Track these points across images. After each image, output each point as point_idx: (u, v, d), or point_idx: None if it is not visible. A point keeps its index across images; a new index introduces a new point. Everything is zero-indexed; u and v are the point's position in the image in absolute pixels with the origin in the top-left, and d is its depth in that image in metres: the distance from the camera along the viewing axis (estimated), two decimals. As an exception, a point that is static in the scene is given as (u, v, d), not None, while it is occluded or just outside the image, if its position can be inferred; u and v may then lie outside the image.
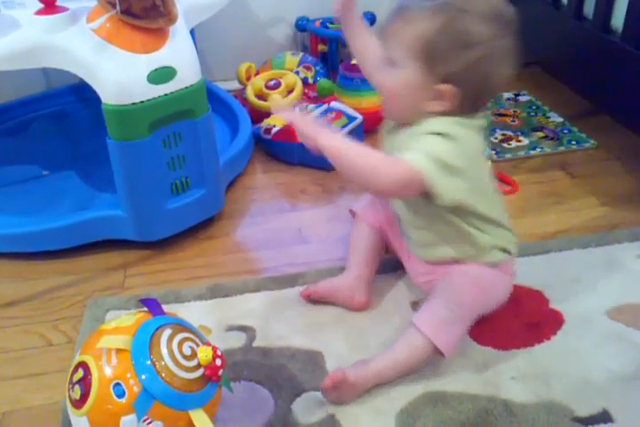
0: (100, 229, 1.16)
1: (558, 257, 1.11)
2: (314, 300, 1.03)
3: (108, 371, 0.71)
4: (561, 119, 1.57)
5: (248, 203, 1.33)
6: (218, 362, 0.75)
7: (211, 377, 0.74)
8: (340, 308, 1.02)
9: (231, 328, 0.99)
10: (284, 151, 1.44)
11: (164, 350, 0.73)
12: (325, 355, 0.94)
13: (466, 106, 0.84)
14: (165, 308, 0.80)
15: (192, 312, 1.01)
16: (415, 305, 1.02)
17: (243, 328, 0.99)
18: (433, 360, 0.89)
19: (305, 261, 1.14)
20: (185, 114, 1.11)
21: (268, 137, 1.44)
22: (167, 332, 0.74)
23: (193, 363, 0.74)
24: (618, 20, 1.40)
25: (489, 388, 0.87)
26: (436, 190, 0.81)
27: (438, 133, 0.82)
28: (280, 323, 1.00)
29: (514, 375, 0.89)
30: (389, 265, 1.08)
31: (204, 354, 0.74)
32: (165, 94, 1.07)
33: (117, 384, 0.70)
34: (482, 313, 0.92)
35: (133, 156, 1.08)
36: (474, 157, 0.86)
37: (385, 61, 0.86)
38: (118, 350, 0.72)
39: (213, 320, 1.00)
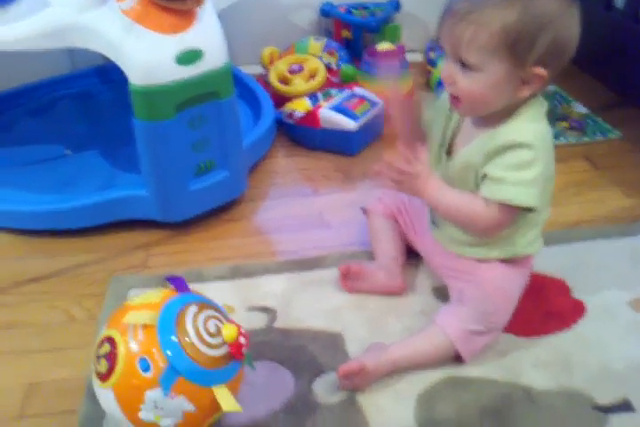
0: (123, 208, 1.17)
1: (581, 247, 1.10)
2: (351, 276, 1.01)
3: (134, 346, 0.72)
4: (585, 110, 1.55)
5: (270, 186, 1.34)
6: (242, 340, 0.75)
7: (235, 355, 0.75)
8: (360, 293, 1.02)
9: (253, 309, 1.00)
10: (307, 136, 1.44)
11: (190, 327, 0.73)
12: (345, 337, 0.94)
13: (548, 83, 0.83)
14: (188, 286, 0.81)
15: (213, 292, 0.99)
16: (436, 291, 1.02)
17: (264, 309, 1.00)
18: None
19: (326, 244, 1.14)
20: (210, 96, 1.11)
21: (291, 121, 1.44)
22: (193, 309, 0.75)
23: (218, 340, 0.74)
24: (648, 9, 1.39)
25: (509, 374, 0.88)
26: (535, 207, 0.84)
27: (519, 145, 0.82)
28: (301, 305, 1.00)
29: (534, 362, 0.89)
30: (410, 251, 1.08)
31: (229, 332, 0.75)
32: (192, 76, 1.07)
33: (143, 359, 0.71)
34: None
35: (159, 136, 1.09)
36: (551, 153, 0.86)
37: (457, 67, 0.82)
38: (144, 326, 0.73)
39: (235, 301, 1.00)
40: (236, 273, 1.07)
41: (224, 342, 0.75)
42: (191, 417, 0.73)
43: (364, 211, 1.11)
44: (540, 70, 0.80)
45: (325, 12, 1.77)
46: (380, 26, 1.71)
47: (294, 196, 1.30)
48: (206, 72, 1.09)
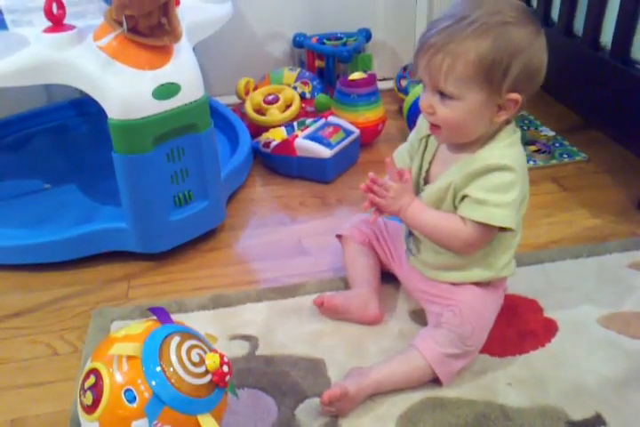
0: (103, 241, 1.19)
1: (551, 267, 1.14)
2: (325, 310, 1.03)
3: (119, 377, 0.73)
4: (553, 133, 1.61)
5: (248, 215, 1.36)
6: (225, 368, 0.77)
7: (218, 383, 0.76)
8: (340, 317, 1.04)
9: (234, 337, 1.02)
10: (283, 164, 1.47)
11: (174, 357, 0.75)
12: (327, 362, 0.96)
13: (522, 107, 0.87)
14: (171, 317, 0.82)
15: (195, 322, 1.02)
16: (414, 314, 1.04)
17: (246, 337, 1.02)
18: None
19: (305, 271, 1.17)
20: (188, 128, 1.14)
21: (267, 151, 1.48)
22: (176, 339, 0.77)
23: (201, 369, 0.76)
24: (607, 36, 1.45)
25: (486, 393, 0.90)
26: (513, 228, 0.88)
27: (500, 168, 0.86)
28: (282, 332, 1.02)
29: (510, 381, 0.92)
30: (386, 275, 1.10)
31: (212, 360, 0.76)
32: (170, 109, 1.10)
33: (128, 390, 0.73)
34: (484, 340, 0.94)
35: (138, 169, 1.11)
36: (526, 178, 0.90)
37: (436, 97, 0.85)
38: (129, 357, 0.74)
39: (217, 330, 1.02)
40: (217, 302, 1.09)
41: (207, 371, 0.76)
42: (177, 447, 0.74)
43: (339, 237, 1.13)
44: (515, 95, 0.84)
45: (298, 43, 1.82)
46: (352, 55, 1.77)
47: (273, 224, 1.33)
48: (184, 106, 1.12)
